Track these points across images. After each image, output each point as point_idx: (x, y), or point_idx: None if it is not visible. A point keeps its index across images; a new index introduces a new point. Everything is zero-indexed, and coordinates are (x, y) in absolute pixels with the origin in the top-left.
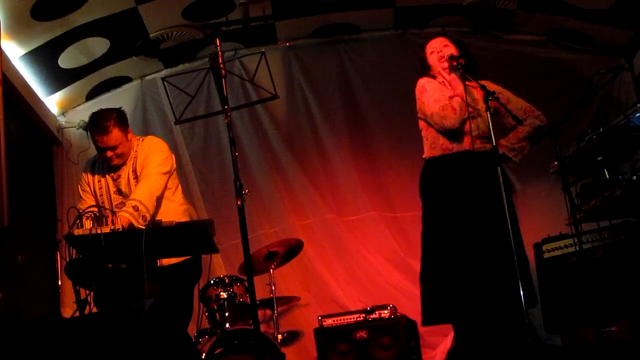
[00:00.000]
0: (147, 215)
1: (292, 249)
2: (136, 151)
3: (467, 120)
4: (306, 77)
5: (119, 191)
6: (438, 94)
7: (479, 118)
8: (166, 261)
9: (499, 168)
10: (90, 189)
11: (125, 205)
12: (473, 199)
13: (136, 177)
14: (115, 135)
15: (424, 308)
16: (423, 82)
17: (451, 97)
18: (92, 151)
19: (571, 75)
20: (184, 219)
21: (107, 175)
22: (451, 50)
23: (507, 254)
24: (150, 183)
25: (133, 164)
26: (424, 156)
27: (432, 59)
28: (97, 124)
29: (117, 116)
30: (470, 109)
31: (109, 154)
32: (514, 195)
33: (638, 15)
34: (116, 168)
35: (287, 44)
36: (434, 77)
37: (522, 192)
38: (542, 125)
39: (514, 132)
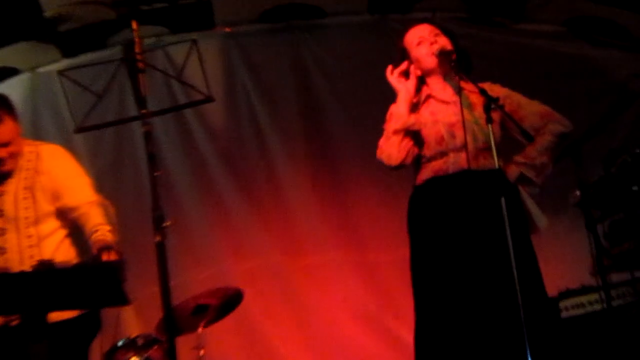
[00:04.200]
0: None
1: (229, 301)
2: (30, 161)
3: (459, 134)
4: (252, 74)
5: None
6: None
7: (477, 127)
8: (56, 316)
9: (503, 199)
10: None
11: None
12: (475, 232)
13: (31, 197)
14: (8, 126)
15: None
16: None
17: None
18: None
19: (599, 77)
20: (68, 255)
21: None
22: (444, 42)
23: (514, 309)
24: (102, 210)
25: (26, 178)
26: (414, 183)
27: (420, 52)
28: None
29: (6, 102)
30: (465, 119)
31: (1, 153)
32: (536, 234)
33: None
34: None
35: (228, 30)
36: (420, 83)
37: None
38: (567, 133)
39: (531, 145)
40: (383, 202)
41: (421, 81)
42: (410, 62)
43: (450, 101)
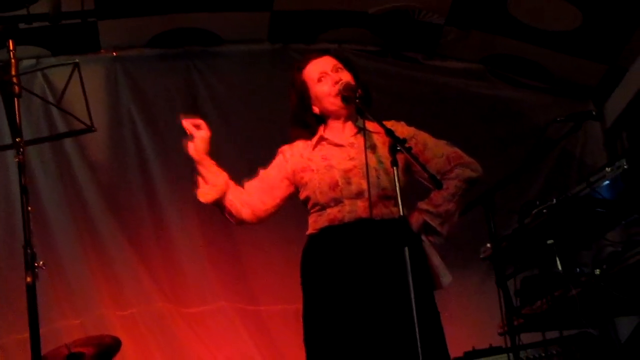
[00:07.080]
0: None
1: (105, 351)
2: None
3: (356, 180)
4: (139, 102)
5: None
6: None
7: (381, 172)
8: None
9: (407, 249)
10: None
11: None
12: (372, 287)
13: None
14: None
15: None
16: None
17: None
18: None
19: (517, 120)
20: None
21: None
22: (347, 77)
23: None
24: None
25: None
26: (307, 232)
27: (322, 90)
28: None
29: None
30: (367, 163)
31: None
32: (438, 291)
33: (613, 41)
34: None
35: (114, 54)
36: (318, 123)
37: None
38: (476, 178)
39: (437, 191)
40: (276, 246)
41: (320, 121)
42: (304, 99)
43: (346, 144)
